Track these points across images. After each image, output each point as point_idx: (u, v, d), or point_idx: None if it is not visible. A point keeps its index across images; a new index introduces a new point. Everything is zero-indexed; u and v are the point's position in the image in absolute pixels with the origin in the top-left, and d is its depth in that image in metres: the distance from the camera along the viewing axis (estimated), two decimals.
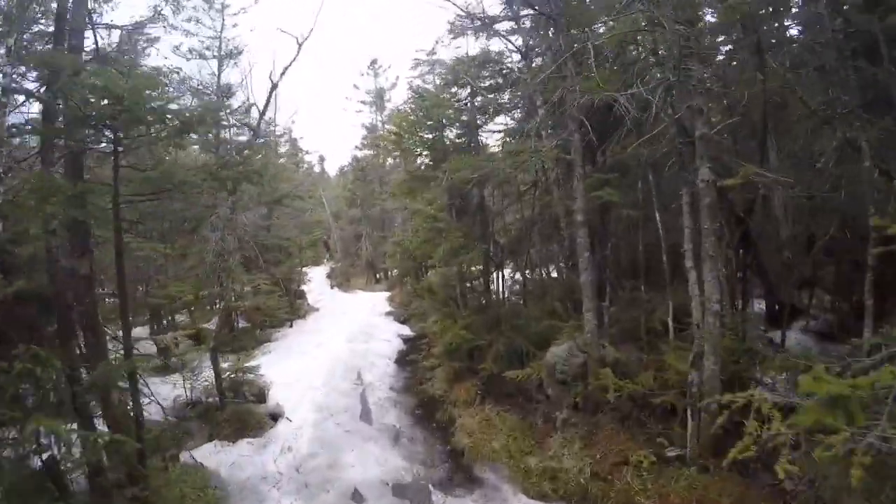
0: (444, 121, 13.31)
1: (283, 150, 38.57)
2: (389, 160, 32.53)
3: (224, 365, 12.82)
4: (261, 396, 12.18)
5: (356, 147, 34.16)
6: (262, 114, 14.98)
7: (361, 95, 33.50)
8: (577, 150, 9.44)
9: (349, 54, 76.72)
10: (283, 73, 13.77)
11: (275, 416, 11.31)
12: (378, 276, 33.99)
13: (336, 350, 15.24)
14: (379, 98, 33.38)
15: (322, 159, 45.56)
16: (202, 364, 12.14)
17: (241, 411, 11.09)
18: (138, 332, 16.29)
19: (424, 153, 13.74)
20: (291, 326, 19.67)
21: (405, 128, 13.72)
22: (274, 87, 13.94)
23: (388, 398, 12.32)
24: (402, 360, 15.55)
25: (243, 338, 16.95)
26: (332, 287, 31.59)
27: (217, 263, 15.10)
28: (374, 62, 33.70)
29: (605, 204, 9.93)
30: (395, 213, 30.56)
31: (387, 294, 26.95)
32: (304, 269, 28.59)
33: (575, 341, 9.67)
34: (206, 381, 11.98)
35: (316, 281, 31.97)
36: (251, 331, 18.08)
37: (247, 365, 12.60)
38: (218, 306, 16.84)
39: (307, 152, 46.40)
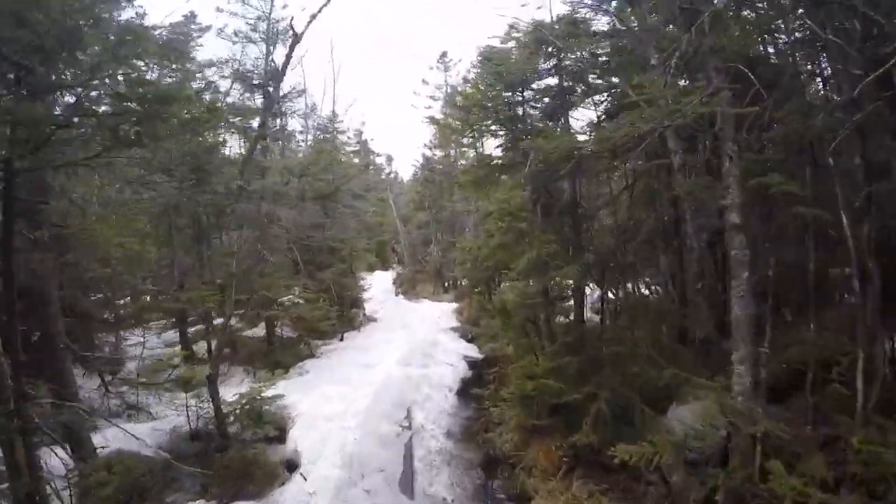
0: (523, 91, 10.27)
1: (350, 149, 37.07)
2: (462, 160, 29.83)
3: (245, 388, 10.43)
4: (280, 434, 9.64)
5: (425, 145, 31.59)
6: (283, 73, 12.53)
7: (430, 91, 30.91)
8: (726, 117, 6.14)
9: (418, 49, 74.36)
10: (310, 21, 11.24)
11: (291, 466, 8.68)
12: (446, 284, 31.23)
13: (386, 375, 12.48)
14: (450, 95, 30.69)
15: (390, 159, 43.62)
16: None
17: (246, 457, 8.53)
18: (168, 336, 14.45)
19: (499, 131, 10.70)
20: (342, 340, 17.20)
21: (473, 99, 10.78)
22: (297, 37, 11.45)
23: (442, 450, 9.40)
24: (465, 391, 12.59)
25: (282, 353, 14.59)
26: (396, 294, 29.14)
27: (249, 264, 12.88)
28: (443, 55, 31.02)
29: (766, 197, 6.54)
30: (466, 216, 27.69)
31: (454, 306, 24.10)
32: (364, 274, 26.40)
33: (713, 401, 6.32)
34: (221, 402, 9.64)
35: (380, 287, 29.65)
36: (295, 344, 15.72)
37: (266, 394, 10.08)
38: (254, 313, 14.55)
39: (378, 154, 44.83)
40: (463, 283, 28.46)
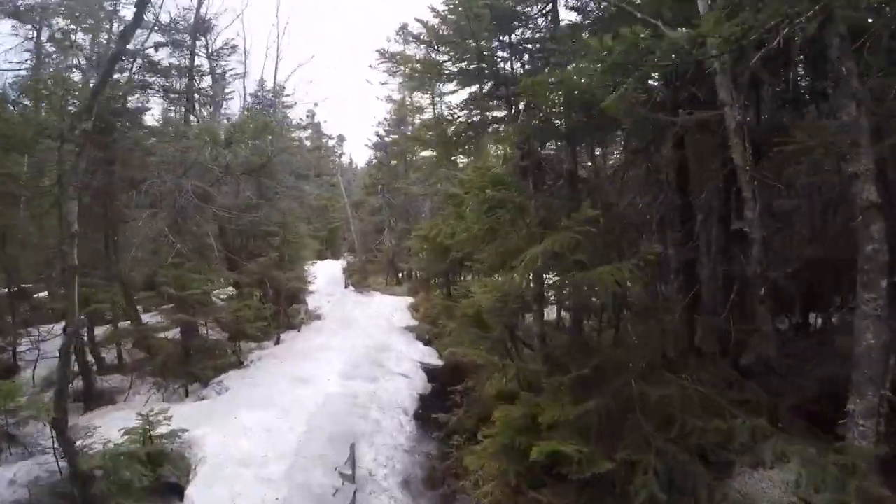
0: (510, 35, 7.89)
1: (302, 133, 33.89)
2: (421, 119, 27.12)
3: (145, 411, 7.84)
4: (180, 480, 7.09)
5: (379, 124, 28.76)
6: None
7: (387, 65, 28.05)
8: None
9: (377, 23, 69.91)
10: None
11: None
12: (400, 275, 28.76)
13: (325, 395, 9.97)
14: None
15: (342, 140, 40.47)
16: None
17: None
18: None
19: (473, 79, 8.22)
20: (278, 343, 14.48)
21: (437, 33, 8.31)
22: None
23: None
24: (424, 413, 10.24)
25: (201, 362, 11.79)
26: (346, 286, 26.43)
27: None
28: (403, 27, 28.23)
29: None
30: (422, 200, 25.26)
31: (408, 300, 21.66)
32: (310, 264, 23.66)
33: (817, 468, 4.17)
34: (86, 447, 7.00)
35: (328, 278, 26.89)
36: (217, 350, 12.91)
37: (163, 430, 7.48)
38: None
39: (330, 137, 41.66)
40: (418, 275, 26.15)
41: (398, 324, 17.42)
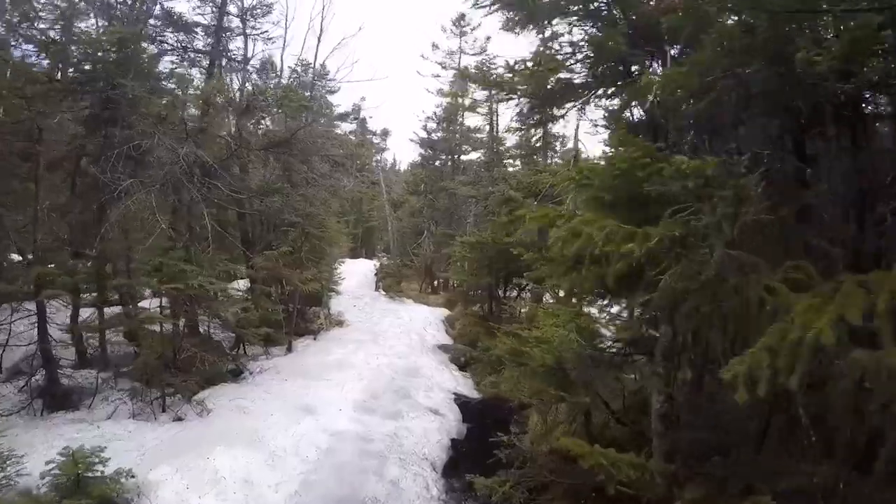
0: None
1: (349, 127, 32.12)
2: (471, 119, 24.74)
3: (99, 432, 5.74)
4: None
5: (428, 118, 26.54)
6: None
7: (440, 57, 25.82)
8: None
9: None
10: None
11: None
12: (436, 283, 26.45)
13: (332, 433, 7.70)
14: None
15: (386, 134, 38.43)
16: None
17: None
18: None
19: None
20: (290, 351, 12.34)
21: None
22: None
23: None
24: (457, 470, 7.80)
25: (188, 370, 9.67)
26: (376, 289, 24.28)
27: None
28: (461, 17, 26.01)
29: None
30: (469, 205, 22.93)
31: (444, 312, 19.34)
32: (340, 262, 21.65)
33: None
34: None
35: (359, 278, 24.85)
36: (216, 355, 10.80)
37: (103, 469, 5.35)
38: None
39: (374, 133, 39.81)
40: (455, 286, 23.82)
41: (431, 340, 15.10)
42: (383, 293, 23.65)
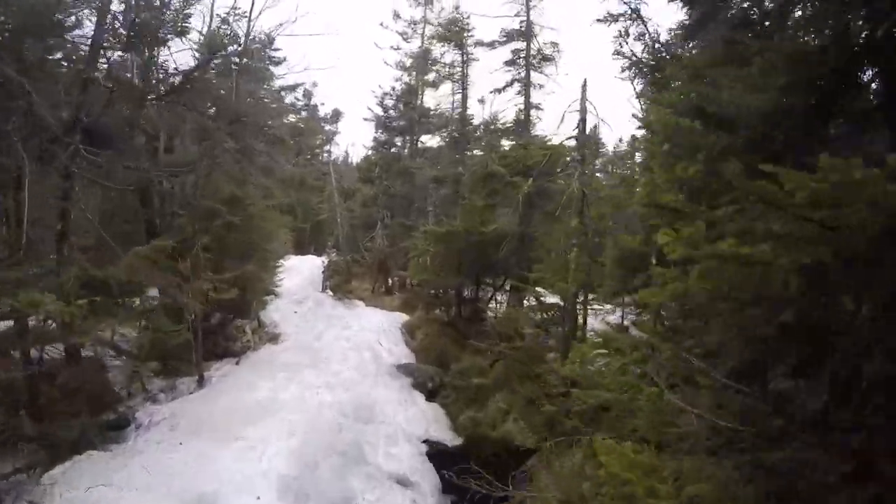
0: None
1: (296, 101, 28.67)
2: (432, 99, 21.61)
3: None
4: None
5: (386, 95, 23.17)
6: None
7: (402, 27, 22.53)
8: None
9: None
10: None
11: None
12: (391, 281, 23.23)
13: None
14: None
15: (337, 115, 34.86)
16: None
17: None
18: None
19: None
20: (200, 385, 9.07)
21: None
22: None
23: None
24: None
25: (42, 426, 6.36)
26: (323, 289, 20.98)
27: None
28: None
29: None
30: (429, 191, 19.94)
31: (401, 317, 16.30)
32: (283, 259, 18.38)
33: None
34: None
35: (303, 277, 21.55)
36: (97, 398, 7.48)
37: None
38: None
39: (325, 119, 36.15)
40: (414, 285, 20.86)
41: (387, 358, 12.10)
42: (331, 294, 20.41)
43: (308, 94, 33.63)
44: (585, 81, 10.01)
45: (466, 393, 10.08)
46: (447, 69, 19.77)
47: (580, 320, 10.35)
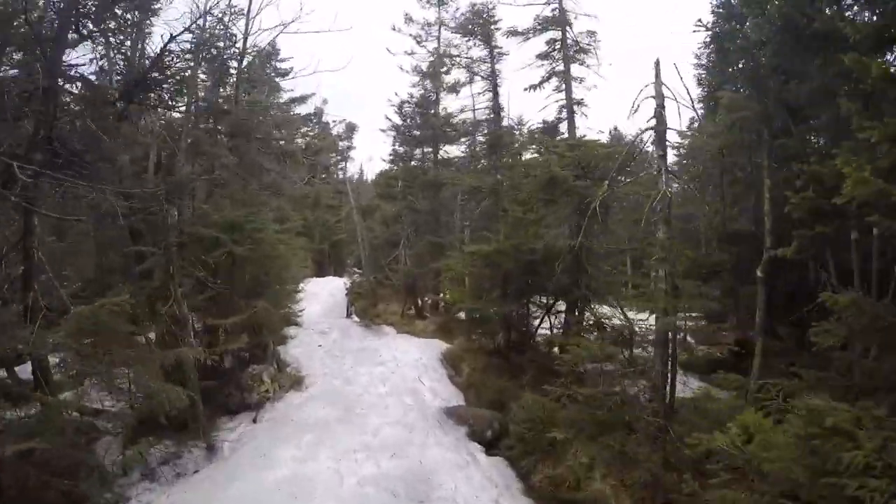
0: None
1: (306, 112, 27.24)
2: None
3: None
4: None
5: (404, 103, 21.38)
6: None
7: (415, 30, 20.77)
8: None
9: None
10: None
11: None
12: (421, 301, 21.23)
13: None
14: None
15: (352, 129, 33.33)
16: None
17: None
18: None
19: None
20: (211, 456, 7.29)
21: None
22: None
23: None
24: None
25: None
26: (348, 314, 19.21)
27: None
28: None
29: None
30: (465, 203, 18.11)
31: (439, 345, 14.35)
32: (303, 283, 16.80)
33: None
34: None
35: (325, 302, 19.98)
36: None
37: None
38: None
39: (339, 137, 34.67)
40: (446, 306, 18.99)
41: (434, 401, 10.22)
42: (356, 319, 18.64)
43: (319, 112, 32.32)
44: (658, 61, 8.15)
45: (535, 444, 8.17)
46: (475, 65, 17.94)
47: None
